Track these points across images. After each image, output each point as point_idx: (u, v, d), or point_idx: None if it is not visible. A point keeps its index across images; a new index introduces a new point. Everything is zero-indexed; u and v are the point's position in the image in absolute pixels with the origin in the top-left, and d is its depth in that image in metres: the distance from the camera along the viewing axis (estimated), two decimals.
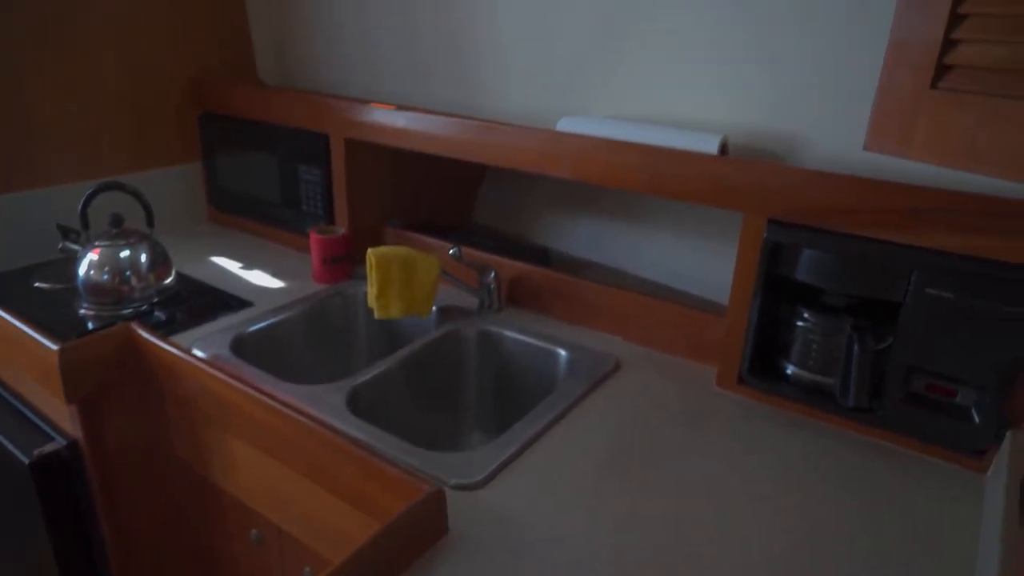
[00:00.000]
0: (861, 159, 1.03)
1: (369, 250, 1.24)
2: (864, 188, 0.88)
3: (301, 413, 0.94)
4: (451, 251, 1.26)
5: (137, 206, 1.36)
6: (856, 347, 0.87)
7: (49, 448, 1.13)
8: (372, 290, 1.26)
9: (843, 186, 0.90)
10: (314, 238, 1.42)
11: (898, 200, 0.85)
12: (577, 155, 1.14)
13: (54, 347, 1.04)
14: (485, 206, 1.74)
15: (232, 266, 1.53)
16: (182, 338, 1.21)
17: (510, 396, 1.28)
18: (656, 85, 1.20)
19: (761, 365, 1.03)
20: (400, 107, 1.37)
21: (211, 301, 1.34)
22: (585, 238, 1.54)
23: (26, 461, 1.10)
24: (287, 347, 1.31)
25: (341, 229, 1.45)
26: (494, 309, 1.33)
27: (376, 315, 1.26)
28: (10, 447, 1.14)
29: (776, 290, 0.99)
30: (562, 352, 1.18)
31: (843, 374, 0.90)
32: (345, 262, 1.44)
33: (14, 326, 1.12)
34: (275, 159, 1.56)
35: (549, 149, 1.17)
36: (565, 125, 1.19)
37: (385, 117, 1.36)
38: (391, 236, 1.53)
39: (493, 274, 1.31)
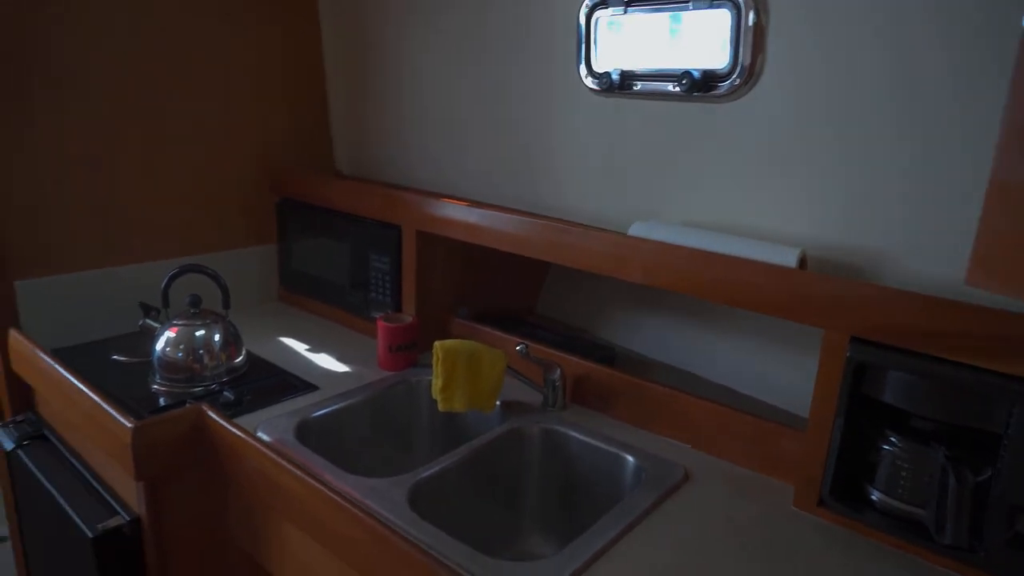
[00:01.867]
0: (958, 278, 1.00)
1: (436, 343, 1.25)
2: (956, 311, 0.85)
3: (363, 509, 0.93)
4: (518, 347, 1.25)
5: (215, 285, 1.41)
6: (952, 480, 0.82)
7: (112, 523, 1.13)
8: (437, 382, 1.26)
9: (932, 308, 0.87)
10: (381, 326, 1.43)
11: (998, 326, 0.82)
12: (648, 260, 1.14)
13: (129, 425, 1.06)
14: (549, 298, 1.74)
15: (299, 347, 1.55)
16: (248, 420, 1.22)
17: (573, 499, 1.24)
18: (733, 193, 1.20)
19: (844, 488, 0.98)
20: (473, 203, 1.40)
21: (278, 383, 1.36)
22: (652, 337, 1.52)
23: (90, 535, 1.11)
24: (349, 433, 1.31)
25: (408, 317, 1.47)
26: (558, 407, 1.31)
27: (440, 407, 1.25)
28: (76, 519, 1.15)
29: (861, 410, 0.95)
30: (629, 458, 1.15)
31: (938, 508, 0.85)
32: (410, 350, 1.45)
33: (91, 400, 1.15)
34: (347, 246, 1.61)
35: (620, 253, 1.18)
36: (637, 230, 1.20)
37: (458, 212, 1.40)
38: (457, 326, 1.54)
39: (559, 372, 1.30)
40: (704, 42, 1.18)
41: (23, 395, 1.46)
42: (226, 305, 1.40)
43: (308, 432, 1.22)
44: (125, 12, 1.49)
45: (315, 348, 1.55)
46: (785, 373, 1.27)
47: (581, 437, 1.21)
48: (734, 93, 1.15)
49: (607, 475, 1.18)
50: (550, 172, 1.47)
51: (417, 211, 1.46)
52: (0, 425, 1.41)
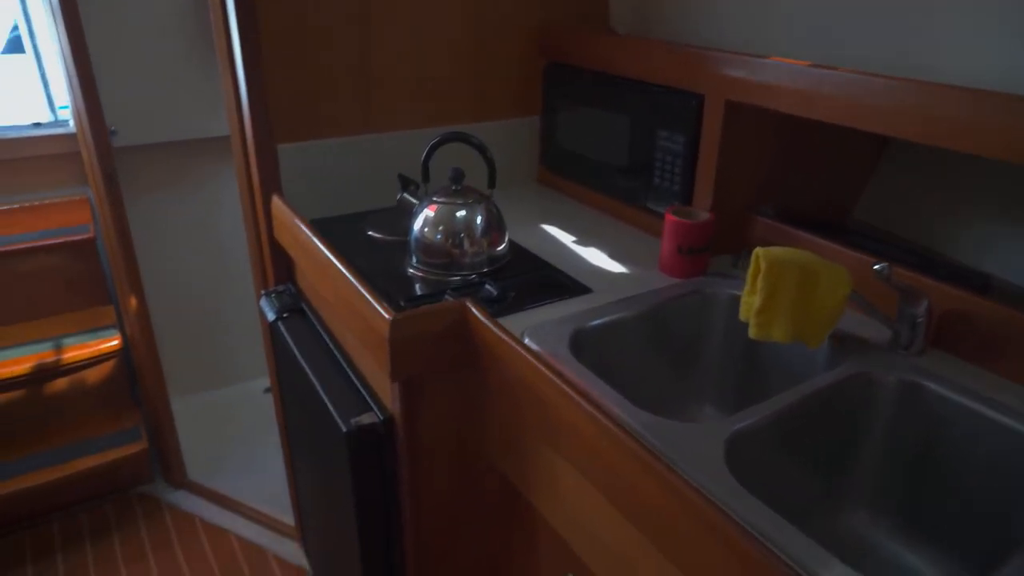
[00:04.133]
0: None
1: (758, 249, 0.94)
2: None
3: (669, 467, 0.69)
4: (876, 267, 0.90)
5: (478, 159, 1.20)
6: None
7: (366, 420, 1.02)
8: (752, 300, 0.96)
9: None
10: (671, 221, 1.15)
11: None
12: None
13: (387, 316, 0.91)
14: (875, 199, 1.33)
15: (565, 238, 1.33)
16: (513, 321, 1.03)
17: (927, 478, 0.90)
18: None
19: None
20: (815, 64, 1.02)
21: (544, 280, 1.15)
22: None
23: (344, 429, 1.00)
24: (628, 351, 1.07)
25: (704, 213, 1.16)
26: (913, 350, 0.96)
27: (752, 333, 0.95)
28: (330, 407, 1.06)
29: None
30: None
31: None
32: (703, 254, 1.16)
33: (349, 282, 1.01)
34: (628, 120, 1.31)
35: None
36: None
37: (790, 76, 1.03)
38: (760, 228, 1.21)
39: (925, 305, 0.94)
40: None
41: (285, 264, 1.41)
42: (491, 183, 1.19)
43: (583, 345, 1.00)
44: None
45: (583, 241, 1.31)
46: None
47: (964, 401, 0.85)
48: None
49: (1007, 462, 0.82)
50: (928, 17, 1.04)
51: (727, 74, 1.12)
52: (264, 293, 1.37)
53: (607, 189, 1.41)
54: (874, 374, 0.91)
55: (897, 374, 0.90)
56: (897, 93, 0.91)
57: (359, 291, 0.98)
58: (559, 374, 0.83)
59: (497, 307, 1.06)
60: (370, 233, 1.32)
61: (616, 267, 1.20)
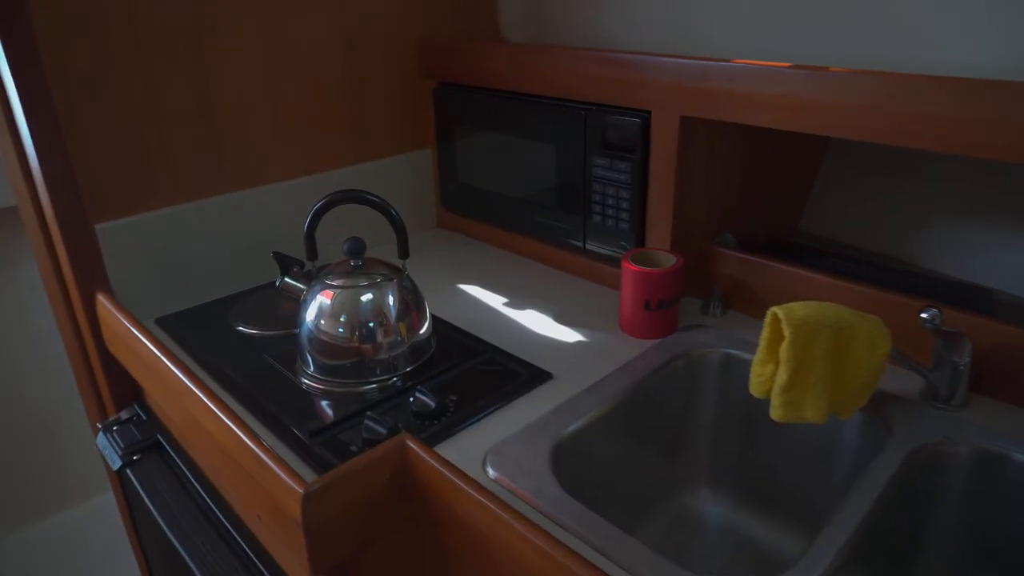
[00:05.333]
0: None
1: (775, 309, 0.72)
2: None
3: None
4: (924, 314, 0.72)
5: (367, 216, 0.92)
6: None
7: None
8: (766, 371, 0.75)
9: None
10: (631, 272, 0.92)
11: None
12: None
13: (297, 489, 0.61)
14: (822, 208, 1.18)
15: (493, 301, 1.07)
16: (464, 442, 0.76)
17: (1001, 564, 0.73)
18: None
19: None
20: (798, 66, 0.83)
21: (489, 368, 0.88)
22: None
23: None
24: (607, 447, 0.83)
25: (669, 256, 0.95)
26: (955, 403, 0.79)
27: (777, 416, 0.74)
28: None
29: None
30: None
31: None
32: (673, 306, 0.94)
33: (233, 434, 0.70)
34: (552, 147, 1.08)
35: None
36: None
37: (769, 82, 0.83)
38: (727, 262, 1.01)
39: (969, 349, 0.76)
40: None
41: (127, 383, 1.05)
42: (403, 253, 0.90)
43: (562, 462, 0.74)
44: None
45: (517, 302, 1.06)
46: None
47: None
48: None
49: None
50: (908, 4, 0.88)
51: (679, 85, 0.91)
52: (101, 427, 1.01)
53: (528, 229, 1.17)
54: (941, 450, 0.72)
55: (972, 444, 0.72)
56: (926, 93, 0.73)
57: (247, 446, 0.67)
58: (551, 537, 0.57)
59: (439, 424, 0.78)
60: (240, 328, 1.00)
61: (570, 334, 0.96)
